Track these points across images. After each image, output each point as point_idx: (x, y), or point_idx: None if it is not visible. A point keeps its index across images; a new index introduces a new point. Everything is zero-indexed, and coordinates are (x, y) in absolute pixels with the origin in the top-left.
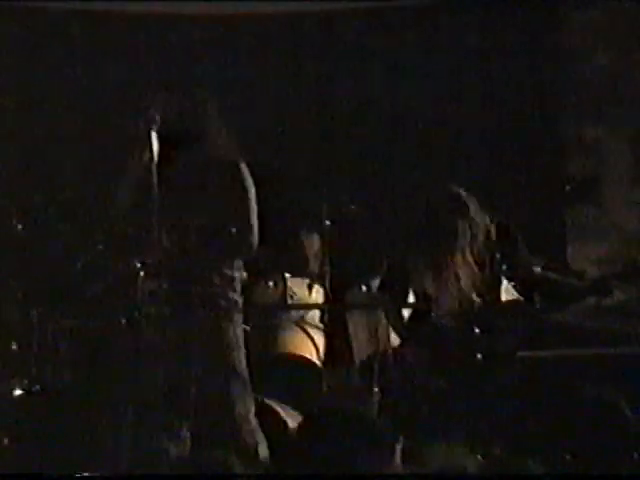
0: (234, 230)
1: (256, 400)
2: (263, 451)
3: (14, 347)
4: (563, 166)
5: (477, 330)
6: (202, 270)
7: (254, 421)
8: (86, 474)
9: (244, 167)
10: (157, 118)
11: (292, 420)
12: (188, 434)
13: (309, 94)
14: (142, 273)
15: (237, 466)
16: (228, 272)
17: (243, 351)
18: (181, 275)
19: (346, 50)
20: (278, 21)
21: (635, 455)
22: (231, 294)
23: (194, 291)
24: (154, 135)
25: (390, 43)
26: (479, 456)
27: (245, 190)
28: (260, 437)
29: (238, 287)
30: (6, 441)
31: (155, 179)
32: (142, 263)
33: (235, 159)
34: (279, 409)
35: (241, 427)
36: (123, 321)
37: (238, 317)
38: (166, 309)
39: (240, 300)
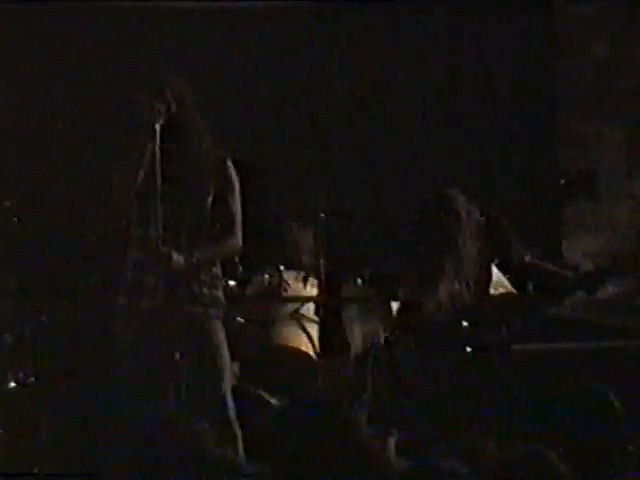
0: (219, 228)
1: (249, 392)
2: (240, 447)
3: (8, 339)
4: (558, 159)
5: (466, 323)
6: (190, 267)
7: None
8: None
9: (230, 164)
10: (161, 111)
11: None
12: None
13: (305, 88)
14: (133, 267)
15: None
16: (214, 269)
17: (226, 348)
18: (169, 271)
19: (339, 44)
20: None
21: (629, 447)
22: (214, 291)
23: (182, 287)
24: (158, 128)
25: (384, 36)
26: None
27: (230, 188)
28: (238, 432)
29: (220, 285)
30: (1, 432)
31: (159, 174)
32: (134, 257)
33: (221, 155)
34: (271, 400)
35: (224, 423)
36: (114, 313)
37: (219, 314)
38: (154, 303)
39: (222, 297)
